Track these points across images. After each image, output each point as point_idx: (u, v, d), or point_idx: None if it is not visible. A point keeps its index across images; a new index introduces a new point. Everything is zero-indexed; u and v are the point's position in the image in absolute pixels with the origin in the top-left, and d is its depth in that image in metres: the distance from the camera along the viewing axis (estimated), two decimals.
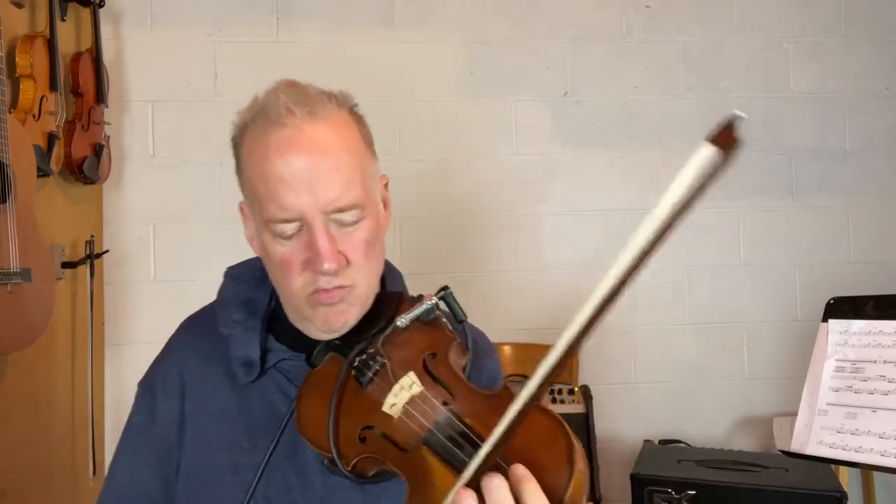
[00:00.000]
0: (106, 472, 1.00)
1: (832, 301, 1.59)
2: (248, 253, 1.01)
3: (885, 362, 1.46)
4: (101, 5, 2.39)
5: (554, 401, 2.37)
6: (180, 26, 2.59)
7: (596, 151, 2.72)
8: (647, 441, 2.40)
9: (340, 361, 0.87)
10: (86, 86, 2.28)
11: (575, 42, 2.73)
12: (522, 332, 2.62)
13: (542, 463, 0.68)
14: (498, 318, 2.62)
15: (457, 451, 0.73)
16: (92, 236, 2.34)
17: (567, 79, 2.73)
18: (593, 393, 2.42)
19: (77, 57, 2.27)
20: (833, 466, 1.85)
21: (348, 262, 0.87)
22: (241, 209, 0.96)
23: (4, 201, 1.69)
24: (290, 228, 0.86)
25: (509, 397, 0.73)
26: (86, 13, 2.37)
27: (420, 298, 0.89)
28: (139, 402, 1.00)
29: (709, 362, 2.71)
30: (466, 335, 0.92)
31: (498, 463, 0.68)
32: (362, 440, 0.80)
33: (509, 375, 2.55)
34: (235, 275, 1.02)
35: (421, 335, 0.86)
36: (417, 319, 0.87)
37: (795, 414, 1.56)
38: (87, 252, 2.30)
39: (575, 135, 2.72)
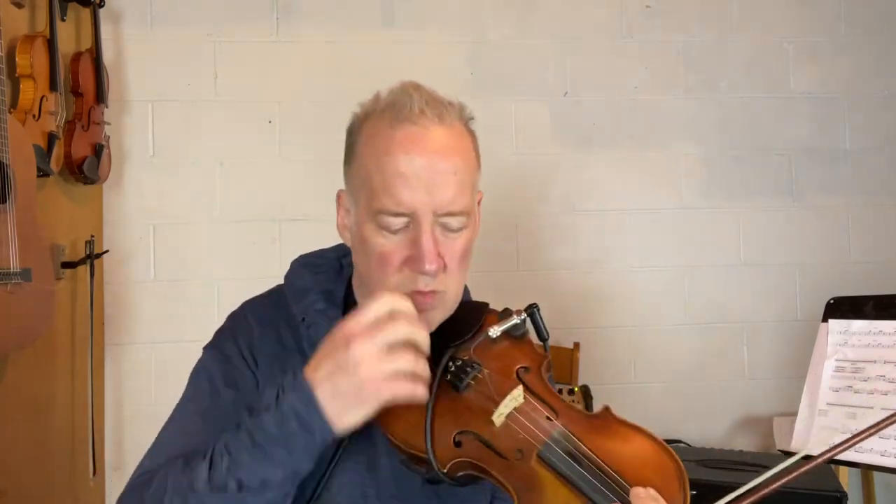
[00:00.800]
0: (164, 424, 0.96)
1: (832, 301, 1.59)
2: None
3: (885, 362, 1.46)
4: (101, 5, 2.39)
5: None
6: (180, 26, 2.58)
7: (596, 151, 2.72)
8: None
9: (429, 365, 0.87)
10: (86, 86, 2.28)
11: (575, 42, 2.73)
12: None
13: (656, 488, 0.72)
14: None
15: (576, 465, 0.75)
16: (92, 236, 2.34)
17: (567, 79, 2.73)
18: (593, 393, 2.42)
19: (77, 57, 2.27)
20: (833, 466, 1.84)
21: (446, 267, 0.89)
22: (339, 197, 0.98)
23: (4, 201, 1.69)
24: (398, 223, 0.87)
25: (612, 419, 0.79)
26: (86, 13, 2.37)
27: (507, 312, 0.91)
28: (209, 362, 0.98)
29: (709, 362, 2.71)
30: (548, 354, 0.94)
31: (622, 482, 0.71)
32: (458, 444, 0.81)
33: None
34: (312, 264, 1.03)
35: (512, 348, 0.89)
36: (506, 333, 0.89)
37: (795, 414, 1.55)
38: (87, 252, 2.30)
39: (575, 135, 2.72)
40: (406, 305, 0.80)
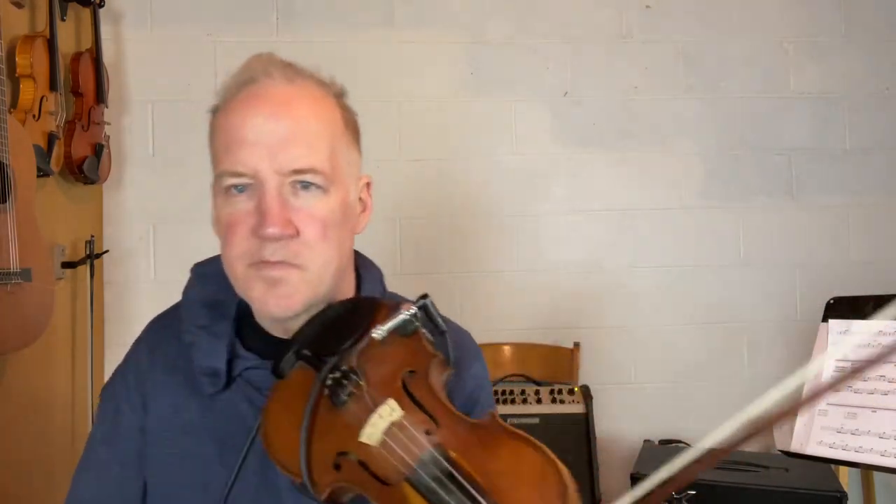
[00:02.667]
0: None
1: (832, 301, 1.59)
2: None
3: (885, 362, 1.45)
4: (101, 5, 2.39)
5: (554, 401, 2.37)
6: (180, 26, 2.59)
7: (596, 151, 2.72)
8: (647, 441, 2.40)
9: (310, 375, 0.78)
10: (86, 86, 2.28)
11: (575, 42, 2.73)
12: (522, 332, 2.62)
13: (533, 502, 0.65)
14: (498, 318, 2.62)
15: (443, 493, 0.67)
16: (92, 236, 2.34)
17: (567, 79, 2.72)
18: (593, 393, 2.41)
19: (77, 57, 2.27)
20: (833, 466, 1.84)
21: (298, 233, 0.80)
22: (212, 190, 0.88)
23: (4, 201, 1.69)
24: (240, 183, 0.81)
25: (496, 428, 0.71)
26: (86, 13, 2.37)
27: (398, 307, 0.80)
28: (102, 413, 0.94)
29: (709, 362, 2.71)
30: (448, 348, 0.82)
31: None
32: (337, 467, 0.73)
33: (509, 375, 2.55)
34: (202, 273, 0.95)
35: (399, 350, 0.78)
36: (395, 332, 0.79)
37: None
38: (87, 252, 2.30)
39: (575, 135, 2.72)
40: None
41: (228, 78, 0.87)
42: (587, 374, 2.56)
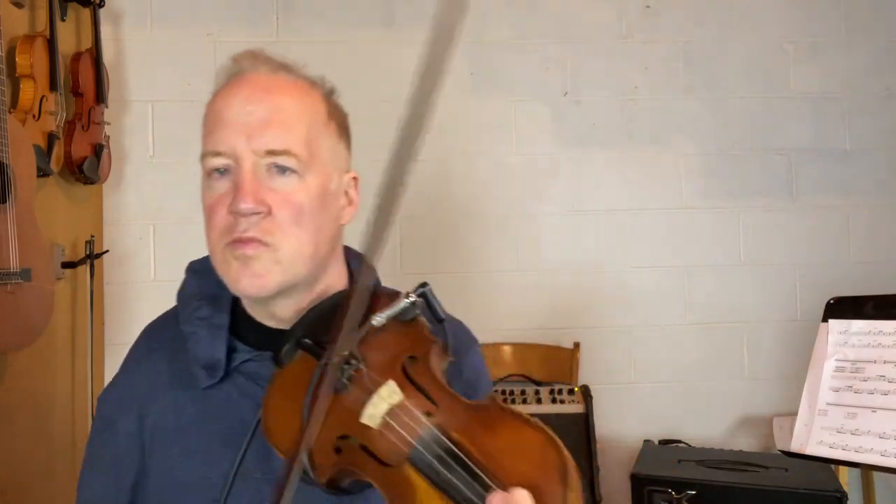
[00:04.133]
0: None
1: (832, 301, 1.59)
2: None
3: (885, 362, 1.46)
4: (101, 5, 2.39)
5: (554, 401, 2.37)
6: (180, 26, 2.59)
7: (596, 151, 2.72)
8: (647, 441, 2.40)
9: (311, 362, 0.80)
10: (86, 86, 2.28)
11: (575, 42, 2.73)
12: (522, 332, 2.62)
13: (535, 482, 0.65)
14: (498, 318, 2.62)
15: (445, 472, 0.67)
16: (92, 236, 2.34)
17: (567, 79, 2.73)
18: (593, 393, 2.42)
19: (77, 57, 2.27)
20: (833, 466, 1.85)
21: (271, 212, 0.82)
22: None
23: (4, 201, 1.69)
24: (219, 163, 0.83)
25: (496, 408, 0.71)
26: (86, 13, 2.37)
27: (397, 295, 0.81)
28: (99, 419, 0.96)
29: (709, 362, 2.71)
30: (447, 335, 0.84)
31: (490, 485, 0.65)
32: (338, 451, 0.73)
33: (509, 375, 2.55)
34: (199, 269, 0.96)
35: (399, 336, 0.79)
36: (395, 319, 0.79)
37: (795, 414, 1.56)
38: (87, 252, 2.30)
39: (575, 135, 2.72)
40: None
41: (218, 74, 0.90)
42: (587, 374, 2.56)
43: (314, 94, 0.89)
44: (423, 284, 0.82)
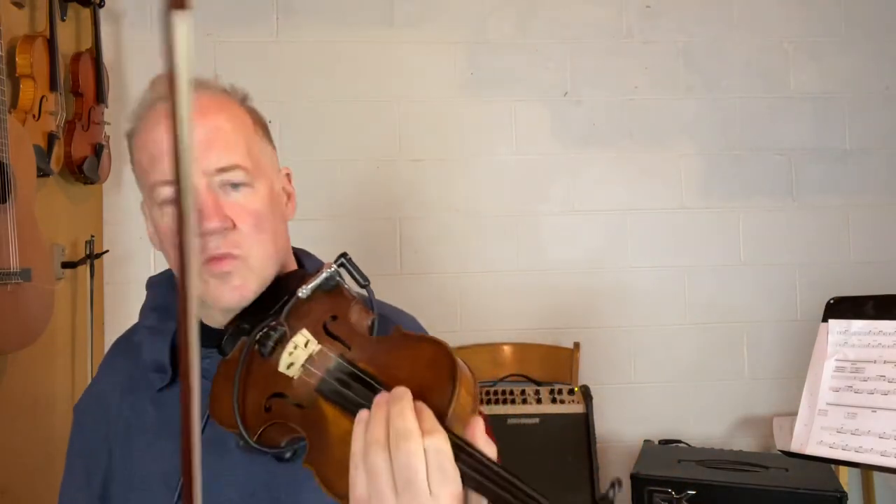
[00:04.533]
0: None
1: (832, 301, 1.59)
2: None
3: (885, 362, 1.46)
4: (101, 5, 2.39)
5: (554, 401, 2.37)
6: None
7: (596, 151, 2.72)
8: (647, 441, 2.40)
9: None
10: (86, 86, 2.28)
11: (575, 42, 2.73)
12: (522, 332, 2.62)
13: (427, 384, 0.69)
14: (498, 318, 2.62)
15: (345, 391, 0.73)
16: (92, 236, 2.34)
17: (567, 79, 2.73)
18: (593, 393, 2.42)
19: (77, 57, 2.27)
20: (833, 466, 1.85)
21: (235, 226, 0.86)
22: (142, 209, 0.95)
23: (4, 201, 1.69)
24: (172, 191, 0.85)
25: (399, 337, 0.77)
26: (86, 13, 2.37)
27: (320, 268, 0.87)
28: (73, 427, 1.03)
29: (709, 362, 2.71)
30: (371, 295, 0.89)
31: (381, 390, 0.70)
32: (267, 409, 0.79)
33: (509, 375, 2.55)
34: (152, 283, 1.03)
35: (322, 302, 0.85)
36: (319, 289, 0.85)
37: (795, 414, 1.55)
38: (87, 252, 2.30)
39: (575, 135, 2.72)
40: None
41: (136, 104, 0.93)
42: (587, 374, 2.56)
43: (236, 106, 0.93)
44: (343, 255, 0.87)
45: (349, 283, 0.87)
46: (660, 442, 2.50)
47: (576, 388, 2.40)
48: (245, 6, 2.62)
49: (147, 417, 0.94)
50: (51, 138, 2.06)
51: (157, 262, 2.54)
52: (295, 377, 0.78)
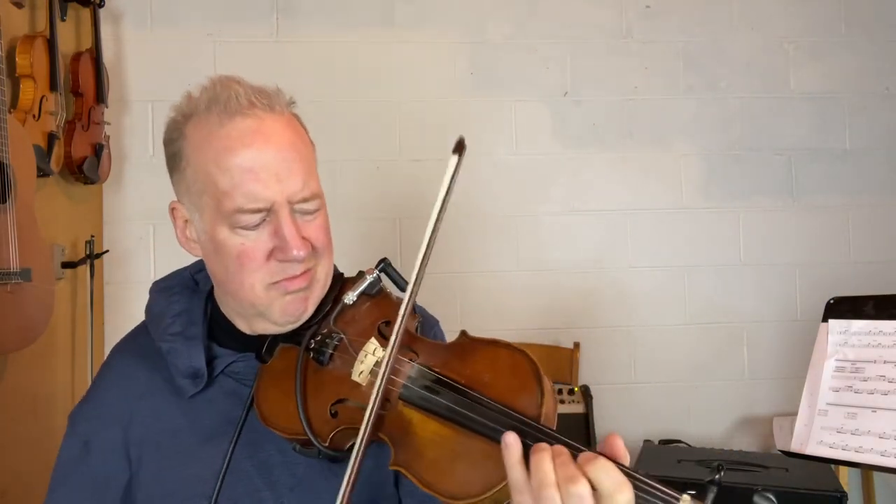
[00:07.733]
0: None
1: (832, 301, 1.59)
2: None
3: (885, 362, 1.45)
4: (101, 5, 2.39)
5: None
6: (180, 26, 2.59)
7: (596, 151, 2.72)
8: (647, 441, 2.40)
9: (293, 350, 0.88)
10: (86, 86, 2.28)
11: (575, 42, 2.73)
12: (522, 332, 2.62)
13: (513, 388, 0.74)
14: (498, 318, 2.62)
15: (435, 397, 0.76)
16: (92, 236, 2.34)
17: (567, 79, 2.73)
18: (593, 393, 2.42)
19: (77, 57, 2.27)
20: (833, 466, 1.85)
21: (314, 248, 0.89)
22: (173, 210, 0.93)
23: (4, 201, 1.69)
24: (256, 219, 0.86)
25: (468, 341, 0.81)
26: (86, 13, 2.37)
27: (361, 275, 0.91)
28: (70, 437, 0.96)
29: (709, 362, 2.71)
30: (413, 300, 0.89)
31: (479, 397, 0.74)
32: (334, 415, 0.82)
33: None
34: (165, 288, 1.01)
35: (370, 307, 0.89)
36: (363, 294, 0.89)
37: (795, 414, 1.55)
38: (87, 252, 2.30)
39: (575, 135, 2.72)
40: None
41: (191, 102, 0.89)
42: (587, 374, 2.56)
43: (297, 123, 0.93)
44: (383, 260, 0.91)
45: (389, 287, 0.91)
46: (660, 442, 2.50)
47: (576, 388, 2.40)
48: (245, 6, 2.62)
49: (174, 423, 0.92)
50: (51, 138, 2.06)
51: (157, 263, 2.54)
52: (364, 384, 0.81)
